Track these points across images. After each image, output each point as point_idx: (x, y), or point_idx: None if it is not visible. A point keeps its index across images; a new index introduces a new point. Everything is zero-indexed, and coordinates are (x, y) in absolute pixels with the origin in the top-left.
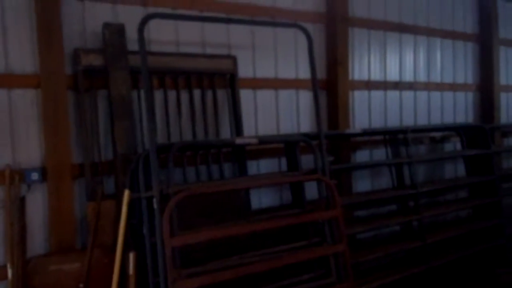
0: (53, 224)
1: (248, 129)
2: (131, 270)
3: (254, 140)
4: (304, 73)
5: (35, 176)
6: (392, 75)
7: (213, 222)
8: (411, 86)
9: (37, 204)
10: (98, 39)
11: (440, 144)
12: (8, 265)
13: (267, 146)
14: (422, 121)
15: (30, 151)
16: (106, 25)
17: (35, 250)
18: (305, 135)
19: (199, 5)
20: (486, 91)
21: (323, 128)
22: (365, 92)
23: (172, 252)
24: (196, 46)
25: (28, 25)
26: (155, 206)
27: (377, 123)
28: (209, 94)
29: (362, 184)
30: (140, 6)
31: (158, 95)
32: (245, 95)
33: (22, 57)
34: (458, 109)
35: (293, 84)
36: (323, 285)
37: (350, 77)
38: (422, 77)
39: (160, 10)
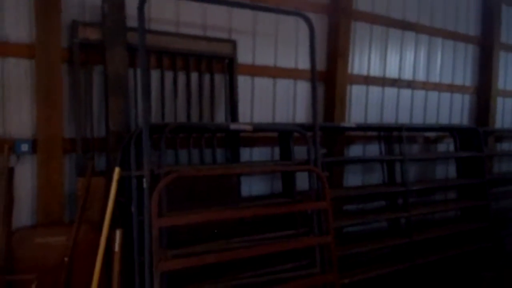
0: (41, 197)
1: (244, 116)
2: (116, 247)
3: (249, 127)
4: (303, 63)
5: (25, 147)
6: (391, 72)
7: (203, 206)
8: (410, 84)
9: (26, 176)
10: (97, 12)
11: (433, 144)
12: None
13: (261, 134)
14: (418, 120)
15: (22, 122)
16: None
17: (21, 222)
18: (300, 125)
19: None
20: (483, 94)
21: (318, 119)
22: (363, 87)
23: (159, 232)
24: (197, 28)
25: None
26: (144, 185)
27: (373, 119)
28: (206, 77)
29: (353, 178)
30: None
31: (154, 74)
32: (242, 81)
33: (18, 25)
34: (454, 110)
35: (292, 73)
36: (307, 275)
37: (349, 71)
38: (421, 76)
39: None
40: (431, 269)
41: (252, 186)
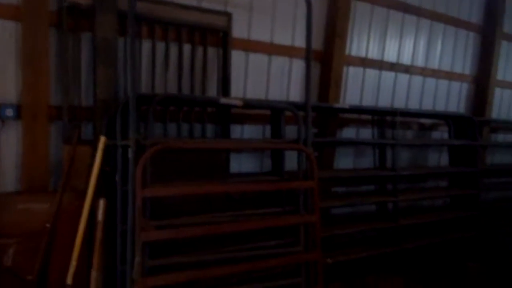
0: (25, 163)
1: (236, 92)
2: (100, 216)
3: (239, 102)
4: (300, 41)
5: (10, 112)
6: (390, 55)
7: (190, 180)
8: (407, 69)
9: (10, 142)
10: None
11: (428, 131)
12: None
13: (253, 112)
14: (414, 106)
15: (6, 86)
16: None
17: (5, 187)
18: (292, 104)
19: None
20: (481, 84)
21: (311, 98)
22: (360, 69)
23: (142, 202)
24: None
25: None
26: (130, 155)
27: (369, 102)
28: (199, 50)
29: (344, 161)
30: None
31: (146, 45)
32: (236, 56)
33: None
34: (452, 99)
35: (288, 51)
36: (290, 252)
37: (346, 52)
38: (419, 62)
39: None
40: (416, 255)
41: (241, 164)
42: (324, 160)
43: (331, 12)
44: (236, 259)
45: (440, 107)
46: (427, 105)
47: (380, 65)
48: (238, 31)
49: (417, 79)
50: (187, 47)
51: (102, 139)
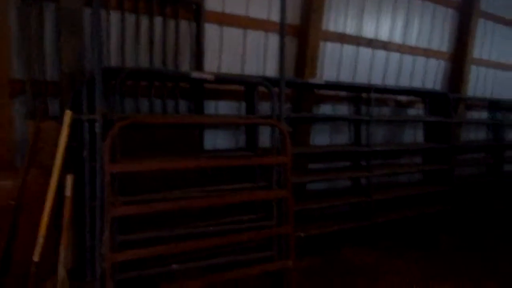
0: None
1: (211, 67)
2: (68, 192)
3: (211, 76)
4: (277, 15)
5: None
6: (368, 31)
7: (162, 157)
8: (385, 46)
9: None
10: None
11: (405, 108)
12: None
13: (227, 87)
14: (391, 83)
15: None
16: None
17: None
18: (266, 79)
19: None
20: (458, 61)
21: (285, 73)
22: (338, 45)
23: (111, 178)
24: None
25: None
26: (97, 129)
27: (346, 79)
28: (171, 23)
29: (320, 138)
30: None
31: (114, 16)
32: (210, 30)
33: None
34: (428, 76)
35: (264, 25)
36: (262, 227)
37: (323, 27)
38: (397, 38)
39: None
40: (389, 229)
41: (216, 140)
42: (300, 137)
43: None
44: (208, 233)
45: (417, 84)
46: (404, 82)
47: (358, 41)
48: (212, 3)
49: (395, 56)
50: (158, 20)
51: (68, 114)
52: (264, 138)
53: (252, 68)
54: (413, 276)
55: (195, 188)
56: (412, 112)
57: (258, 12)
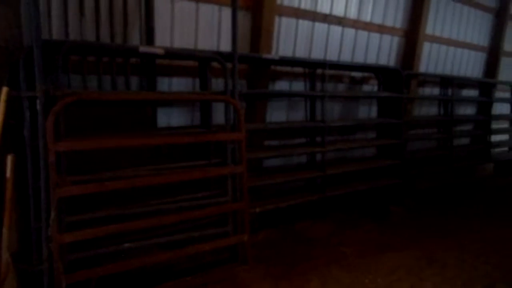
0: None
1: (162, 42)
2: (8, 172)
3: (160, 50)
4: None
5: None
6: (323, 6)
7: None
8: (340, 21)
9: None
10: None
11: (359, 85)
12: None
13: (180, 63)
14: (346, 59)
15: None
16: None
17: None
18: (218, 53)
19: None
20: (411, 37)
21: (237, 48)
22: (293, 20)
23: (55, 157)
24: None
25: None
26: (38, 107)
27: (302, 55)
28: None
29: (277, 115)
30: None
31: None
32: (161, 3)
33: None
34: (383, 52)
35: None
36: (217, 203)
37: (278, 2)
38: (352, 14)
39: None
40: (343, 202)
41: (171, 118)
42: (256, 113)
43: None
44: (162, 211)
45: (372, 60)
46: (359, 59)
47: (313, 16)
48: None
49: (350, 32)
50: None
51: (4, 90)
52: (220, 115)
53: (206, 43)
54: (365, 247)
55: (149, 166)
56: (367, 88)
57: None
